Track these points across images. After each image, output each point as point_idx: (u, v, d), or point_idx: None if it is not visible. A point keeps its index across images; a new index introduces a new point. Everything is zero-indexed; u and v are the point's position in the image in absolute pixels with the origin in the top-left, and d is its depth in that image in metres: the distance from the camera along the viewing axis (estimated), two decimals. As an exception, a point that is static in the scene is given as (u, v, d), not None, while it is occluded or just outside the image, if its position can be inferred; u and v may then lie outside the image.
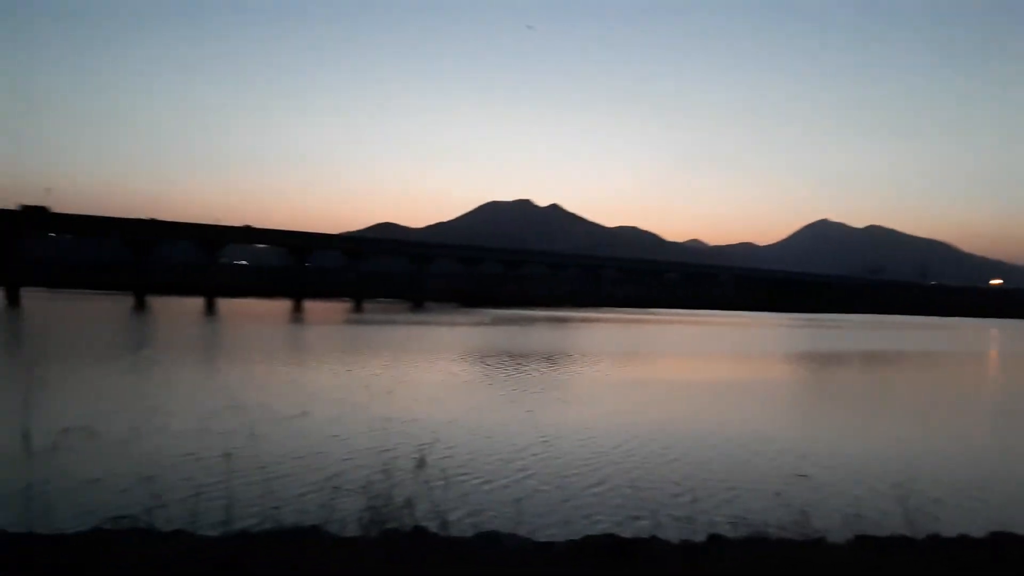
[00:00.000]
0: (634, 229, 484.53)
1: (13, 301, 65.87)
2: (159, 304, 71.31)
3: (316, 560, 5.58)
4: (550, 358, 31.68)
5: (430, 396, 20.17)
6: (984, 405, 25.14)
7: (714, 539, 8.44)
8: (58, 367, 22.94)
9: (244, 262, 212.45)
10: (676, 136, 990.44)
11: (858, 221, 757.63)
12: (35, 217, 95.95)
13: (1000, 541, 8.10)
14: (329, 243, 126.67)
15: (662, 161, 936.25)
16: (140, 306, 66.61)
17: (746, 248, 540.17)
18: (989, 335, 65.66)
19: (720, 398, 22.41)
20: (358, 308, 77.23)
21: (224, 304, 76.25)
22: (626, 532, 8.27)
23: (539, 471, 12.39)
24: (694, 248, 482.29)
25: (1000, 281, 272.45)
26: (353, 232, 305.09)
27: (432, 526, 6.45)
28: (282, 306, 77.01)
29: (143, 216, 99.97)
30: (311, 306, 79.05)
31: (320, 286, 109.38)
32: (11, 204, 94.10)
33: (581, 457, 13.52)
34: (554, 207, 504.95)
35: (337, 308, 76.44)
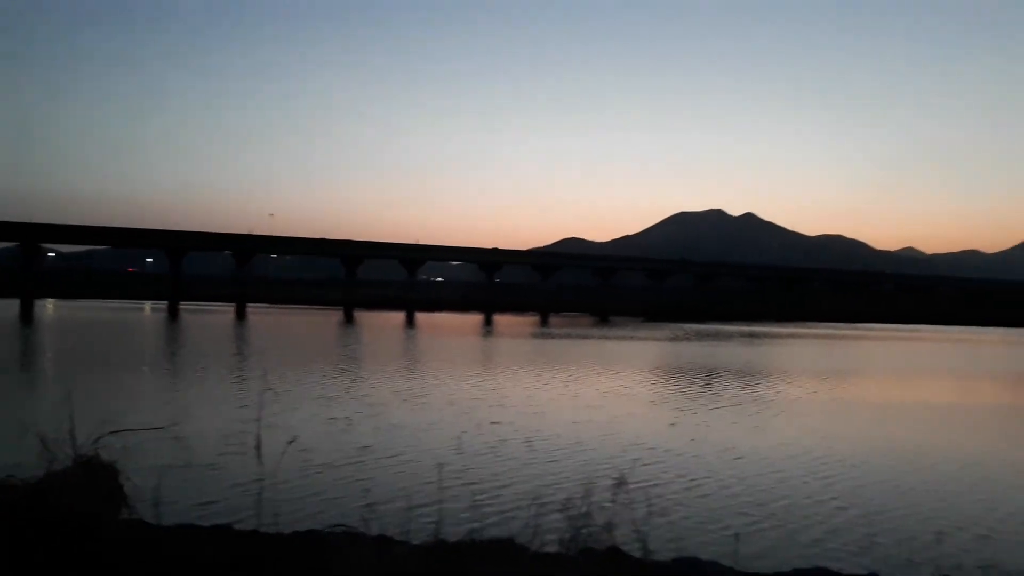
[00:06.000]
0: (839, 237, 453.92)
1: (240, 315, 74.32)
2: (365, 318, 76.78)
3: (513, 573, 5.55)
4: (754, 376, 30.09)
5: (635, 414, 19.90)
6: None
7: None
8: (273, 373, 25.23)
9: (439, 278, 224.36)
10: (886, 133, 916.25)
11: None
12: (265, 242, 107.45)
13: None
14: (516, 259, 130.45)
15: (870, 162, 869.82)
16: (348, 320, 72.11)
17: (970, 256, 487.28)
18: None
19: (947, 426, 20.14)
20: (545, 322, 78.43)
21: (422, 318, 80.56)
22: (843, 569, 7.53)
23: (754, 499, 11.68)
24: (908, 257, 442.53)
25: None
26: (541, 247, 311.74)
27: (631, 549, 6.23)
28: (473, 320, 79.98)
29: (351, 237, 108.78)
30: (500, 319, 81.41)
31: (509, 300, 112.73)
32: (241, 229, 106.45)
33: (802, 486, 12.66)
34: (748, 216, 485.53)
35: (525, 321, 78.11)
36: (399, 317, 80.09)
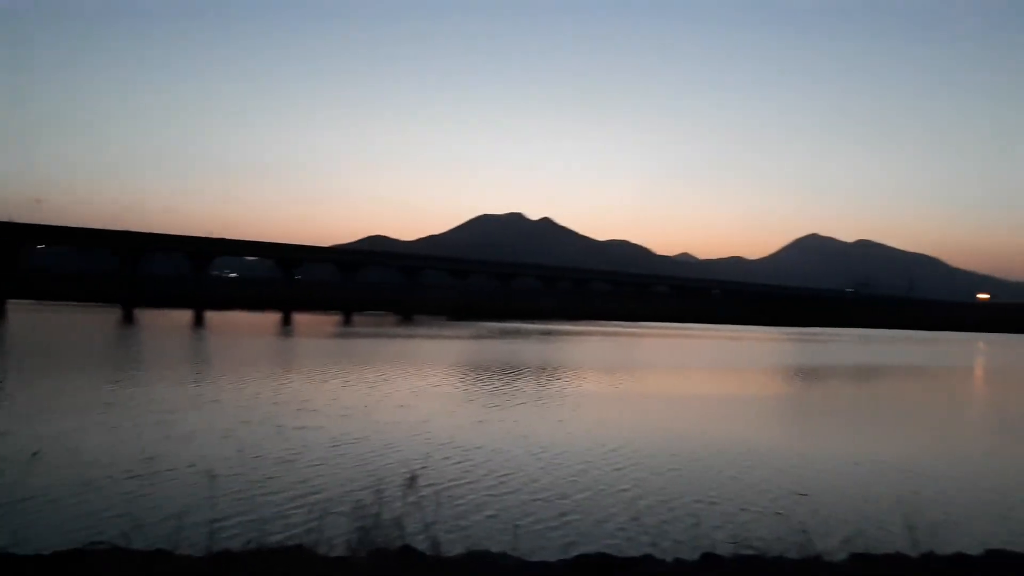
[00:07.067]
0: (624, 243, 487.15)
1: (-1, 313, 65.46)
2: (147, 316, 70.75)
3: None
4: (554, 372, 31.57)
5: (422, 411, 19.98)
6: (981, 419, 25.17)
7: (709, 557, 8.34)
8: (39, 379, 22.67)
9: (233, 274, 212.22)
10: (667, 150, 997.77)
11: (848, 235, 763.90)
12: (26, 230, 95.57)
13: (997, 559, 8.04)
14: (318, 256, 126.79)
15: (653, 174, 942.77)
16: (128, 318, 66.10)
17: (736, 262, 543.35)
18: (977, 349, 65.92)
19: (715, 414, 22.32)
20: (347, 321, 76.90)
21: (213, 317, 75.76)
22: (621, 552, 8.15)
23: (534, 491, 12.24)
24: (684, 262, 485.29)
25: (987, 296, 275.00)
26: (344, 245, 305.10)
27: (422, 546, 6.34)
28: (271, 319, 76.59)
29: (132, 228, 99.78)
30: (300, 319, 78.62)
31: (310, 299, 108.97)
32: (2, 216, 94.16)
33: (577, 476, 13.40)
34: (545, 220, 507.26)
35: (326, 321, 76.06)
36: (187, 316, 74.71)
